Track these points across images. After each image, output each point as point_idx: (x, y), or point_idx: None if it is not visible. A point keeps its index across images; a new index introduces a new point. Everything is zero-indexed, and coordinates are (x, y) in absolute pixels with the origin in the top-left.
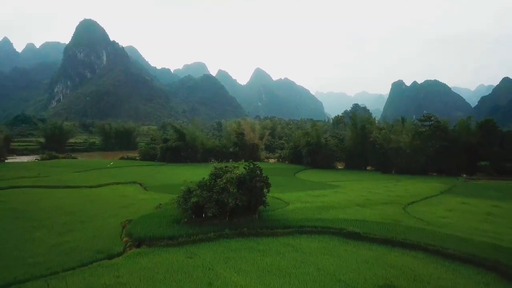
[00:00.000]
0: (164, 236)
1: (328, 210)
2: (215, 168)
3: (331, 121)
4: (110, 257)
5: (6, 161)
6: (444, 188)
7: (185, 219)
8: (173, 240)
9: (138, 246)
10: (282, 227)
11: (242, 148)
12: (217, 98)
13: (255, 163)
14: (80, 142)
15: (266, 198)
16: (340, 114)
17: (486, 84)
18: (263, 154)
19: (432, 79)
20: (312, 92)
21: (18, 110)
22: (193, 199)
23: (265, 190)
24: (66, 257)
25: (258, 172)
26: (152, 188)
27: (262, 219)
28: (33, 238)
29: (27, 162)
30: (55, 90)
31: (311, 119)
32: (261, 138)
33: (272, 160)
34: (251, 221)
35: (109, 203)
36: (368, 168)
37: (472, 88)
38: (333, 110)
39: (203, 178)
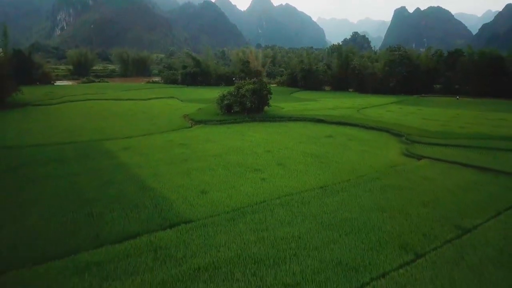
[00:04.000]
0: (211, 120)
1: (308, 111)
2: (237, 83)
3: (326, 50)
4: (189, 127)
5: (55, 84)
6: (396, 101)
7: (221, 113)
8: (217, 122)
9: (200, 123)
10: (278, 117)
11: (247, 74)
12: (217, 25)
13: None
14: (100, 69)
15: (269, 102)
16: (340, 42)
17: (493, 9)
18: (265, 79)
19: (436, 5)
20: (314, 18)
21: (22, 37)
22: (226, 102)
23: (268, 96)
24: (163, 127)
25: (264, 85)
26: (186, 101)
27: (267, 114)
28: (134, 123)
29: (73, 85)
30: (58, 18)
31: (311, 47)
32: (263, 65)
33: (273, 84)
34: (260, 115)
35: (163, 108)
36: (350, 90)
37: (479, 14)
38: (335, 37)
39: (230, 90)
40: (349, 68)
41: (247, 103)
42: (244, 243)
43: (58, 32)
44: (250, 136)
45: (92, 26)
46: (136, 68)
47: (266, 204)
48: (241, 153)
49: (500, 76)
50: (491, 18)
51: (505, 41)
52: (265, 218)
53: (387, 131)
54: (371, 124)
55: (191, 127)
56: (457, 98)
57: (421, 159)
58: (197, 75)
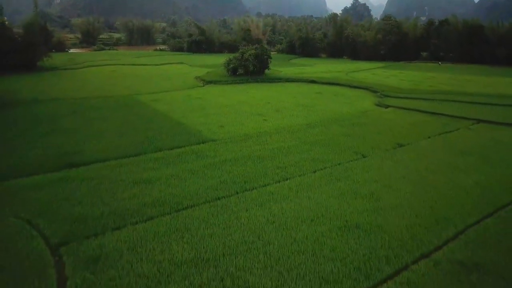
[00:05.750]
0: (220, 80)
1: (303, 74)
2: (241, 49)
3: (325, 19)
4: (201, 86)
5: (69, 51)
6: (383, 66)
7: (228, 75)
8: (224, 82)
9: (210, 83)
10: (277, 79)
11: (249, 42)
12: None
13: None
14: (106, 38)
15: (269, 65)
16: (340, 11)
17: None
18: (265, 47)
19: None
20: None
21: (22, 6)
22: (231, 65)
23: (269, 60)
24: (180, 86)
25: (265, 50)
26: (195, 66)
27: (267, 76)
28: (154, 83)
29: (86, 52)
30: None
31: (311, 16)
32: (264, 34)
33: (273, 52)
34: (261, 76)
35: (176, 71)
36: (344, 57)
37: None
38: (336, 5)
39: (235, 55)
40: (343, 36)
41: (250, 66)
42: (252, 150)
43: (58, 0)
44: (253, 93)
45: None
46: (141, 37)
47: (266, 133)
48: (246, 104)
49: (481, 44)
50: None
51: (505, 9)
52: (266, 139)
53: (367, 89)
54: (355, 84)
55: (203, 86)
56: (440, 64)
57: (387, 107)
58: (201, 43)
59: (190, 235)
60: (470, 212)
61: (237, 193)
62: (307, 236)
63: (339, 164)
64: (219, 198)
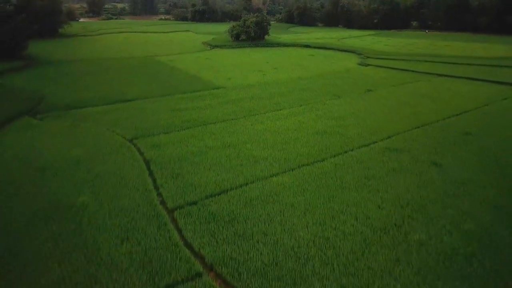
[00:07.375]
0: (225, 45)
1: (300, 40)
2: (243, 17)
3: None
4: (208, 50)
5: (79, 20)
6: (373, 34)
7: (232, 40)
8: (229, 46)
9: (216, 47)
10: (276, 44)
11: (249, 11)
12: None
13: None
14: (111, 8)
15: (269, 31)
16: None
17: None
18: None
19: None
20: None
21: None
22: (235, 31)
23: (268, 27)
24: (190, 50)
25: (265, 18)
26: (200, 33)
27: (267, 42)
28: (167, 47)
29: (96, 21)
30: None
31: None
32: (264, 3)
33: (272, 21)
34: (262, 42)
35: (184, 38)
36: (340, 26)
37: None
38: None
39: (239, 22)
40: (339, 6)
41: (252, 32)
42: (254, 94)
43: None
44: (254, 55)
45: None
46: (144, 7)
47: (266, 83)
48: (249, 64)
49: (464, 13)
50: None
51: None
52: (265, 87)
53: (354, 52)
54: (344, 48)
55: (210, 50)
56: (426, 32)
57: (367, 66)
58: (205, 13)
59: (216, 135)
60: (404, 126)
61: (244, 117)
62: (291, 137)
63: (319, 102)
64: (232, 119)
